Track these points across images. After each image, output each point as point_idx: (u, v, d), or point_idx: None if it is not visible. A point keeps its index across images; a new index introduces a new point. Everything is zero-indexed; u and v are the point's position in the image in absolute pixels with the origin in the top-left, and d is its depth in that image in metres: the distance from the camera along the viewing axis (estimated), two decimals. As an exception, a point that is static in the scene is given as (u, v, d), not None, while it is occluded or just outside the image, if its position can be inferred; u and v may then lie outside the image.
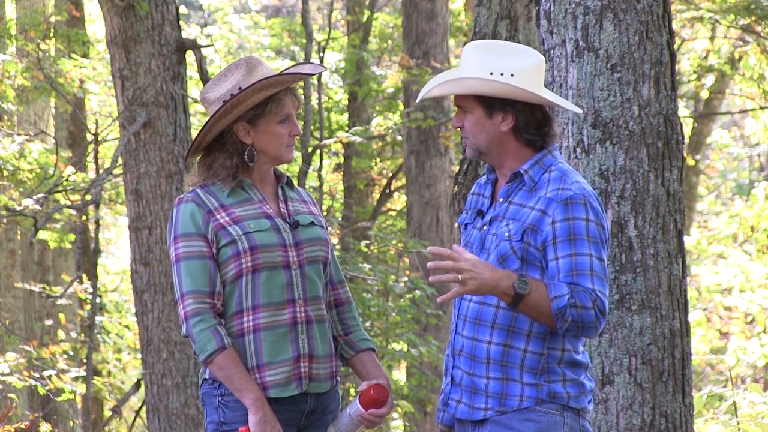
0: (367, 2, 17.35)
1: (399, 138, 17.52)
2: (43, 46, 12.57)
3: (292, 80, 4.31)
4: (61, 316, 14.83)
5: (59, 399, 11.23)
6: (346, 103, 18.23)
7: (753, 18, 13.12)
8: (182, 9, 20.74)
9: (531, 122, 4.18)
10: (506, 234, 4.11)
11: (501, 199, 4.20)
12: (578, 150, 5.73)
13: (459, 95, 4.18)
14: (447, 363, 4.27)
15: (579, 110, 4.45)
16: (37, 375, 10.80)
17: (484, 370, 4.13)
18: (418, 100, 4.33)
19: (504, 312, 4.10)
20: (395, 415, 16.62)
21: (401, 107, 17.34)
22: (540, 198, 4.12)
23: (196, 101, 12.45)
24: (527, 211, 4.12)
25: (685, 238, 6.04)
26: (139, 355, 11.25)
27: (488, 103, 4.15)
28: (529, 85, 4.13)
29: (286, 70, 4.39)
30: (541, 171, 4.17)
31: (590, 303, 4.01)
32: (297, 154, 14.42)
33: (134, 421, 12.27)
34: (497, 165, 4.23)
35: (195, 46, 10.06)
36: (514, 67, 4.13)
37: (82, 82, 13.65)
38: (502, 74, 4.12)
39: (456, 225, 4.42)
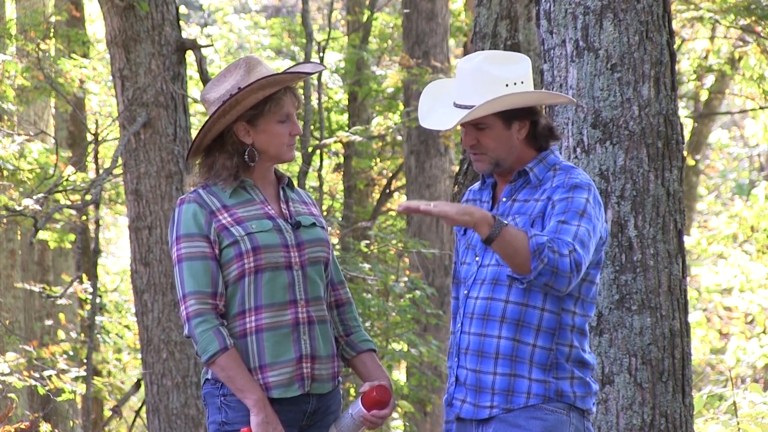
0: (367, 2, 17.34)
1: (399, 138, 17.52)
2: (43, 46, 12.57)
3: (291, 79, 4.30)
4: (61, 316, 14.82)
5: (59, 399, 11.23)
6: (346, 103, 18.22)
7: (753, 18, 13.13)
8: (182, 9, 20.72)
9: (545, 124, 4.17)
10: None
11: (504, 199, 4.18)
12: (578, 150, 5.73)
13: None
14: (451, 365, 4.23)
15: (574, 101, 4.43)
16: (37, 375, 10.80)
17: (491, 366, 4.10)
18: (444, 129, 4.21)
19: (513, 306, 4.08)
20: (395, 415, 16.61)
21: (401, 107, 17.34)
22: (545, 189, 4.10)
23: (196, 101, 12.45)
24: (533, 203, 4.10)
25: (685, 238, 6.04)
26: (139, 355, 11.24)
27: (508, 115, 4.11)
28: (533, 87, 4.13)
29: (285, 70, 4.39)
30: (546, 169, 4.16)
31: (567, 252, 3.90)
32: (297, 154, 14.41)
33: (134, 421, 12.27)
34: (507, 171, 4.19)
35: (195, 46, 10.07)
36: (519, 74, 4.11)
37: (82, 82, 13.64)
38: (515, 84, 4.10)
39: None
